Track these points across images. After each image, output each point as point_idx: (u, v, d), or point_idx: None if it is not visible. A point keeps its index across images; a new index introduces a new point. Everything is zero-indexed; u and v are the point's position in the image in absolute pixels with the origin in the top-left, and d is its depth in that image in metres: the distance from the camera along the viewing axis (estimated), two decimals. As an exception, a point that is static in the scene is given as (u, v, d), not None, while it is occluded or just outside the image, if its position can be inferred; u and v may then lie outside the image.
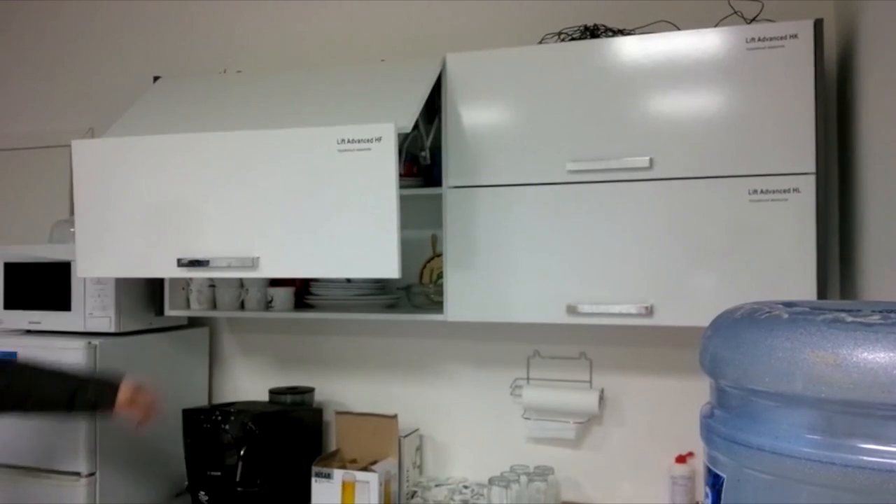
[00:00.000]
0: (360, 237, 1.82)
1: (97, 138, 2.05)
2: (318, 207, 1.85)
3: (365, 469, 2.14)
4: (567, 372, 2.30)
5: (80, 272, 2.06)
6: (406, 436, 2.31)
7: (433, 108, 2.19)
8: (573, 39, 2.11)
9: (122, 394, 1.89)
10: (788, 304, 0.94)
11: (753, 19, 1.99)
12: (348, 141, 1.82)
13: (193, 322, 2.67)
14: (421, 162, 2.22)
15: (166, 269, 1.98)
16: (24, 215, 2.96)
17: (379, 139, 1.79)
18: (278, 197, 1.88)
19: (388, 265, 1.81)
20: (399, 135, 1.82)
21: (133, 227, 2.00)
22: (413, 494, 2.29)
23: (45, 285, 2.36)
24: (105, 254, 2.03)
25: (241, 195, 1.91)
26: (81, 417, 2.02)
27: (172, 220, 1.96)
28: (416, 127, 2.16)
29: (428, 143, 2.19)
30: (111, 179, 2.01)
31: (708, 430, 0.94)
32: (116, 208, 2.01)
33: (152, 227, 1.98)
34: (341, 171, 1.83)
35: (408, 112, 1.89)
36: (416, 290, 2.30)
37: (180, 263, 1.95)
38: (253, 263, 1.90)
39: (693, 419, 2.19)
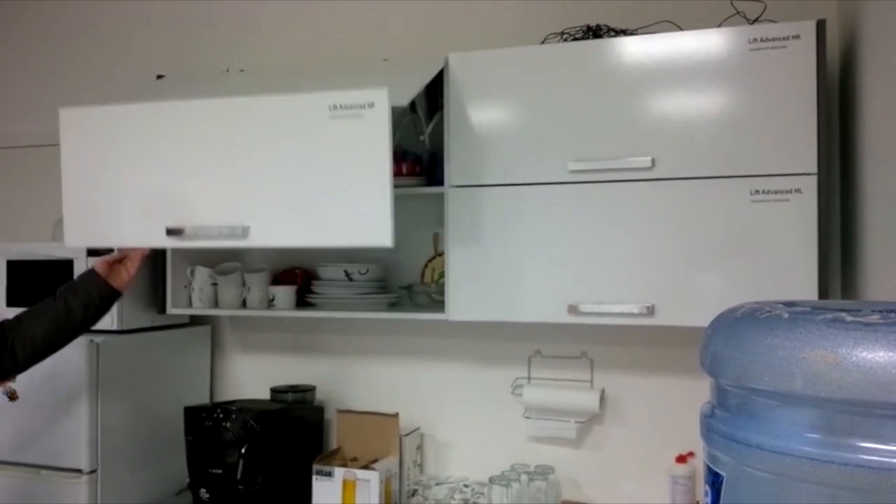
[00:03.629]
0: (352, 205, 1.76)
1: (85, 106, 1.99)
2: (310, 175, 1.79)
3: (366, 467, 2.14)
4: (568, 371, 2.31)
5: (67, 242, 2.01)
6: (407, 434, 2.31)
7: (435, 105, 2.19)
8: (575, 39, 2.11)
9: (100, 266, 1.91)
10: (789, 304, 0.95)
11: (756, 20, 1.99)
12: (340, 107, 1.76)
13: (195, 320, 2.68)
14: (420, 143, 2.18)
15: (155, 239, 1.92)
16: (26, 213, 2.96)
17: (372, 105, 1.73)
18: (269, 165, 1.82)
19: (381, 234, 1.75)
20: (395, 110, 1.76)
21: (122, 197, 1.94)
22: (414, 493, 2.29)
23: (47, 283, 2.36)
24: (93, 224, 1.98)
25: (232, 164, 1.85)
26: (93, 318, 1.93)
27: (161, 189, 1.91)
28: (414, 111, 2.14)
29: (427, 130, 2.16)
30: (99, 148, 1.96)
31: (708, 429, 0.95)
32: (105, 178, 1.96)
33: (141, 197, 1.93)
34: (333, 138, 1.77)
35: (406, 90, 1.85)
36: (417, 289, 2.30)
37: (169, 233, 1.90)
38: (243, 232, 1.84)
39: (694, 419, 2.18)
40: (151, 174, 1.92)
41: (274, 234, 1.84)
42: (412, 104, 2.09)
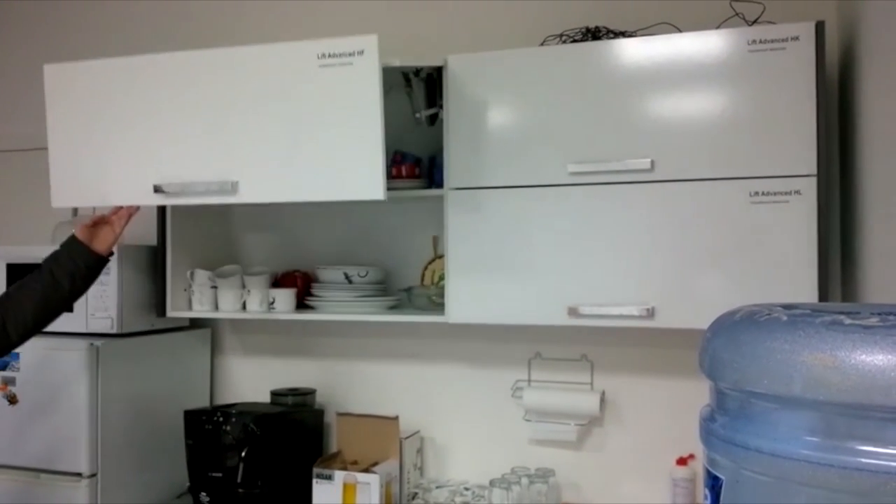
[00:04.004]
0: (343, 158, 1.72)
1: (70, 62, 1.95)
2: (299, 127, 1.75)
3: (366, 471, 2.14)
4: (568, 374, 2.30)
5: (54, 203, 1.98)
6: (407, 437, 2.31)
7: (433, 102, 2.18)
8: (575, 41, 2.11)
9: (80, 233, 1.86)
10: (788, 307, 0.94)
11: (755, 21, 1.99)
12: (329, 55, 1.71)
13: (195, 323, 2.67)
14: (416, 123, 2.17)
15: (143, 197, 1.89)
16: (26, 216, 2.96)
17: (361, 52, 1.68)
18: (258, 118, 1.78)
19: (372, 187, 1.71)
20: (386, 70, 1.71)
21: (108, 155, 1.91)
22: (414, 496, 2.28)
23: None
24: (79, 183, 1.94)
25: (220, 117, 1.81)
26: (81, 288, 1.88)
27: (148, 145, 1.87)
28: (409, 84, 2.12)
29: (424, 112, 2.13)
30: (84, 105, 1.92)
31: (707, 432, 0.94)
32: (90, 135, 1.92)
33: (127, 154, 1.89)
34: (322, 87, 1.72)
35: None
36: (417, 291, 2.30)
37: (156, 190, 1.87)
38: (232, 188, 1.80)
39: (694, 421, 2.17)
40: (138, 130, 1.87)
41: (263, 190, 1.80)
42: (407, 80, 2.04)
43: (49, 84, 1.95)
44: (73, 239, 1.87)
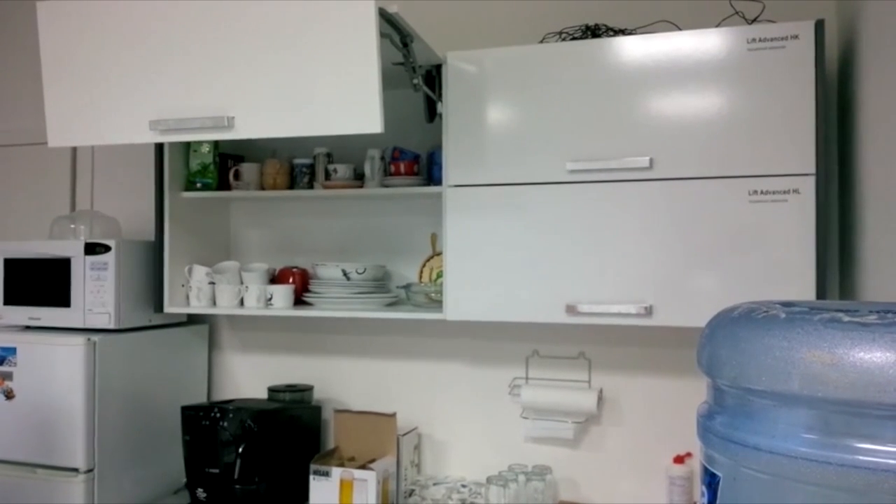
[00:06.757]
0: (339, 90, 1.70)
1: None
2: (294, 60, 1.73)
3: (363, 467, 2.14)
4: (566, 371, 2.30)
5: (51, 142, 1.95)
6: (404, 434, 2.31)
7: (433, 101, 2.18)
8: (574, 39, 2.11)
9: None
10: (786, 304, 0.94)
11: (754, 20, 1.99)
12: None
13: (193, 319, 2.67)
14: (415, 90, 2.12)
15: (138, 134, 1.86)
16: (24, 211, 2.96)
17: None
18: (252, 50, 1.75)
19: (370, 120, 1.68)
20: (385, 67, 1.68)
21: (103, 91, 1.89)
22: (411, 493, 2.29)
23: (44, 281, 2.36)
24: (76, 121, 1.92)
25: (214, 51, 1.78)
26: None
27: (143, 81, 1.85)
28: (406, 47, 2.09)
29: (421, 79, 2.09)
30: (79, 42, 1.90)
31: (705, 430, 0.94)
32: (85, 73, 1.90)
33: (123, 90, 1.87)
34: (318, 17, 1.69)
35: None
36: (415, 288, 2.30)
37: (152, 126, 1.84)
38: (228, 123, 1.78)
39: (692, 419, 2.19)
40: (133, 66, 1.85)
41: (260, 125, 1.77)
42: (404, 44, 2.01)
43: (43, 21, 1.92)
44: None
